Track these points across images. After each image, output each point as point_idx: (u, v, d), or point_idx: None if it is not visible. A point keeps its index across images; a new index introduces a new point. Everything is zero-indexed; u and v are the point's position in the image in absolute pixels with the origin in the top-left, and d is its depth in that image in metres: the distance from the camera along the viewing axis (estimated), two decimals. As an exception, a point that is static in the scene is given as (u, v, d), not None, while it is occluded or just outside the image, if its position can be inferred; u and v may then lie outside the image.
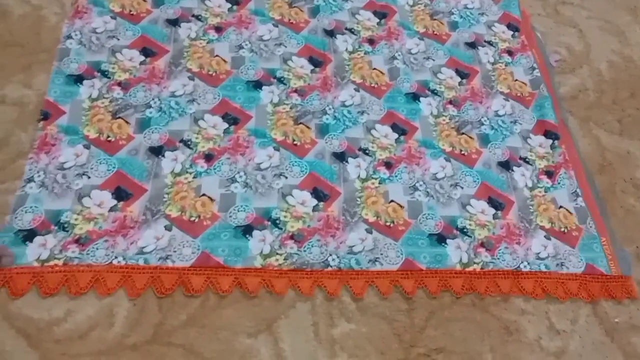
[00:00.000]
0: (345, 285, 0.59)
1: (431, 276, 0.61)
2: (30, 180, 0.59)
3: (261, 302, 0.58)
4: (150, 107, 0.67)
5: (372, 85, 0.76)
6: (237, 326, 0.56)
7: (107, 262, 0.56)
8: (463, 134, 0.73)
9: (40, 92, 0.67)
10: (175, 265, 0.57)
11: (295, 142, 0.68)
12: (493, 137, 0.74)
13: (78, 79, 0.67)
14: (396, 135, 0.71)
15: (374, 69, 0.77)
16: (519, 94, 0.80)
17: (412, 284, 0.60)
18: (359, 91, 0.74)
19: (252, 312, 0.57)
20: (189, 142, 0.65)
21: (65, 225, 0.57)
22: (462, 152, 0.71)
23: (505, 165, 0.71)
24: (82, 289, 0.54)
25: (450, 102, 0.76)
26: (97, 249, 0.56)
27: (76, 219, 0.58)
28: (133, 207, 0.60)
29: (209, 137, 0.66)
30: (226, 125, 0.68)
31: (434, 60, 0.80)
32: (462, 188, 0.68)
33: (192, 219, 0.60)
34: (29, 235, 0.56)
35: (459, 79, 0.79)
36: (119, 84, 0.68)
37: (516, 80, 0.81)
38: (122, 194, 0.60)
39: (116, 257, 0.56)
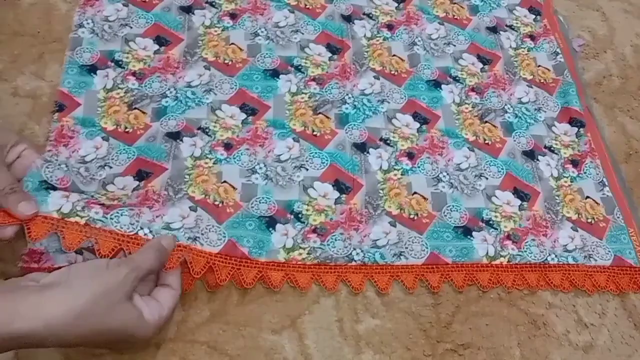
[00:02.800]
0: (369, 280, 0.58)
1: (457, 270, 0.60)
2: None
3: (285, 298, 0.57)
4: (166, 96, 0.65)
5: (392, 72, 0.74)
6: (261, 322, 0.55)
7: (132, 232, 0.53)
8: (486, 122, 0.71)
9: (53, 83, 0.65)
10: (204, 249, 0.55)
11: (315, 133, 0.66)
12: (517, 126, 0.72)
13: (92, 69, 0.65)
14: (418, 125, 0.69)
15: (394, 55, 0.75)
16: (542, 81, 0.78)
17: (437, 279, 0.59)
18: (378, 79, 0.72)
19: (276, 307, 0.56)
20: (207, 130, 0.64)
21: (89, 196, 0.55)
22: (486, 142, 0.70)
23: (530, 155, 0.70)
24: (105, 257, 0.51)
25: (473, 90, 0.74)
26: (121, 214, 0.53)
27: (99, 198, 0.55)
28: (154, 183, 0.58)
29: (227, 127, 0.65)
30: (244, 116, 0.66)
31: (454, 45, 0.78)
32: (486, 179, 0.67)
33: (216, 203, 0.59)
34: (51, 187, 0.53)
35: (480, 65, 0.77)
36: (134, 74, 0.66)
37: (539, 66, 0.79)
38: (142, 175, 0.59)
39: (142, 228, 0.53)
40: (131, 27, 0.70)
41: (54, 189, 0.53)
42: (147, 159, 0.60)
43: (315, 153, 0.65)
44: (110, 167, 0.59)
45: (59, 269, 0.54)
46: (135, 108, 0.64)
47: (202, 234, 0.56)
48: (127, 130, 0.62)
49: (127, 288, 0.45)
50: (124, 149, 0.60)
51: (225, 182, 0.60)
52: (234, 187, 0.60)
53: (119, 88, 0.65)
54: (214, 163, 0.61)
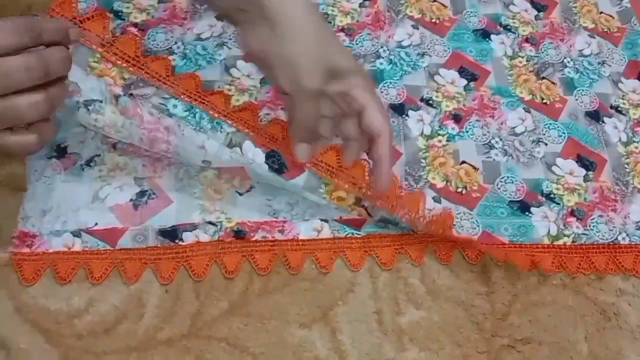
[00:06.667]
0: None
1: (516, 251, 0.51)
2: None
3: (314, 286, 0.49)
4: (173, 52, 0.57)
5: (433, 20, 0.64)
6: (288, 315, 0.48)
7: None
8: (544, 78, 0.62)
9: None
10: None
11: (345, 93, 0.57)
12: (579, 82, 0.62)
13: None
14: (465, 82, 0.60)
15: (435, 1, 0.65)
16: (605, 30, 0.67)
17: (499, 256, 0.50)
18: (417, 28, 0.63)
19: (304, 297, 0.48)
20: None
21: None
22: (544, 101, 0.60)
23: (595, 116, 0.60)
24: None
25: (527, 40, 0.64)
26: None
27: None
28: None
29: (243, 89, 0.56)
30: (262, 75, 0.57)
31: (504, -12, 0.68)
32: (545, 145, 0.57)
33: None
34: None
35: (535, 12, 0.67)
36: (135, 25, 0.58)
37: (601, 12, 0.68)
38: None
39: None
40: (131, -28, 0.61)
41: None
42: None
43: (346, 116, 0.56)
44: None
45: (54, 254, 0.48)
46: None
47: None
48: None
49: None
50: None
51: None
52: None
53: (116, 42, 0.56)
54: None
